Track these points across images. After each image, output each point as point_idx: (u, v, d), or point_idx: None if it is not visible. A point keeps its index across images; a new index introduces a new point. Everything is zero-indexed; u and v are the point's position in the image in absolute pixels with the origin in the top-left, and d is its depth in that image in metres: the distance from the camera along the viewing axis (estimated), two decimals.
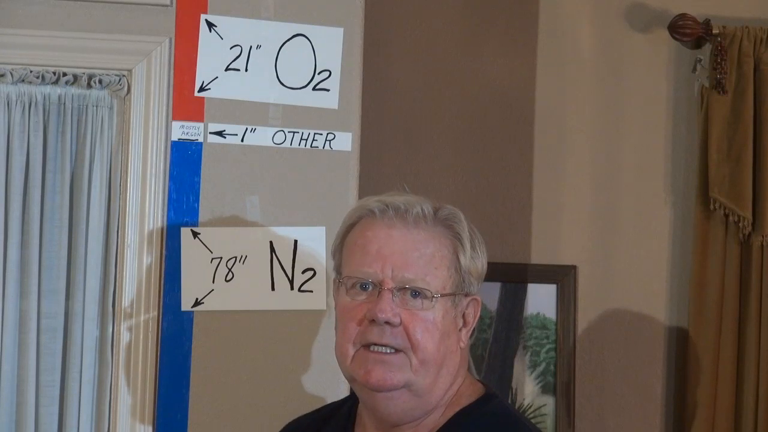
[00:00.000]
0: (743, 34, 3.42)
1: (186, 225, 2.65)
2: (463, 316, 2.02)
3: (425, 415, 1.99)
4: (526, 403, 3.42)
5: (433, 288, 1.96)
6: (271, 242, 2.66)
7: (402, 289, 1.95)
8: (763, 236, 3.40)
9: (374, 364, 1.96)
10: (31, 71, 2.64)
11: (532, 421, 3.39)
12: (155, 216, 2.64)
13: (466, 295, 2.00)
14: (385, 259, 1.96)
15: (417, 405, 1.98)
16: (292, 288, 2.67)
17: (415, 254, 1.96)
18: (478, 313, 2.03)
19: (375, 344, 1.96)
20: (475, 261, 2.01)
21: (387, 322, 1.94)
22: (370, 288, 1.97)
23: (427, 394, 1.98)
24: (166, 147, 2.66)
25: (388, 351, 1.95)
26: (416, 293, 1.96)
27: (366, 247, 1.98)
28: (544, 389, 3.44)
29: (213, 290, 2.65)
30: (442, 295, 1.96)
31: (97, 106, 2.69)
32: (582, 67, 3.52)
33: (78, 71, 2.66)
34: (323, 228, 2.66)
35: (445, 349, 1.97)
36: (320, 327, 2.65)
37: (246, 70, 2.67)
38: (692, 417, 3.43)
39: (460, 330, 2.01)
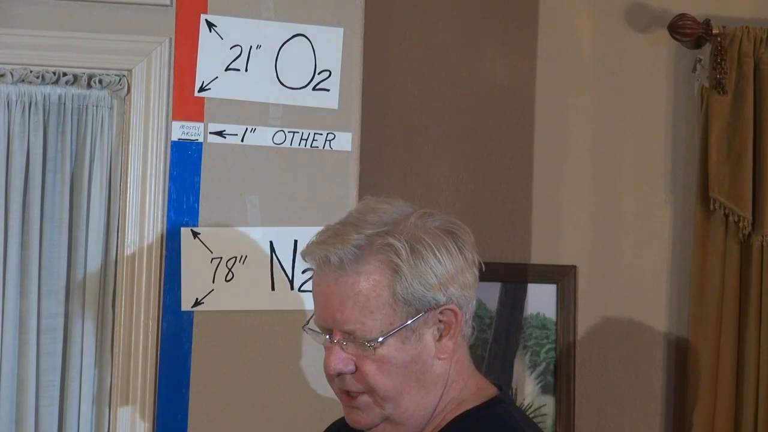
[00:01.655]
0: (743, 34, 3.42)
1: (186, 225, 2.65)
2: (442, 325, 1.97)
3: (424, 425, 1.99)
4: (526, 403, 3.42)
5: (375, 331, 1.92)
6: (271, 242, 2.66)
7: (348, 338, 1.94)
8: (763, 236, 3.40)
9: (346, 408, 1.99)
10: (31, 71, 2.64)
11: (533, 421, 3.40)
12: (155, 216, 2.64)
13: (434, 308, 1.94)
14: (327, 311, 1.95)
15: (404, 429, 1.98)
16: (292, 288, 2.67)
17: (350, 302, 1.92)
18: (460, 317, 1.96)
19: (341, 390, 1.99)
20: (426, 277, 1.93)
21: (341, 373, 1.95)
22: (329, 336, 1.97)
23: (410, 418, 1.97)
24: (166, 147, 2.65)
25: (354, 393, 1.96)
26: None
27: (315, 298, 1.98)
28: (544, 389, 3.44)
29: (213, 290, 2.65)
30: (390, 334, 1.92)
31: (97, 106, 2.69)
32: (582, 67, 3.52)
33: (78, 71, 2.66)
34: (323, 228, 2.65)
35: (412, 375, 1.95)
36: None
37: (246, 70, 2.67)
38: (692, 417, 3.43)
39: (440, 340, 1.96)
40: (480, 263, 2.03)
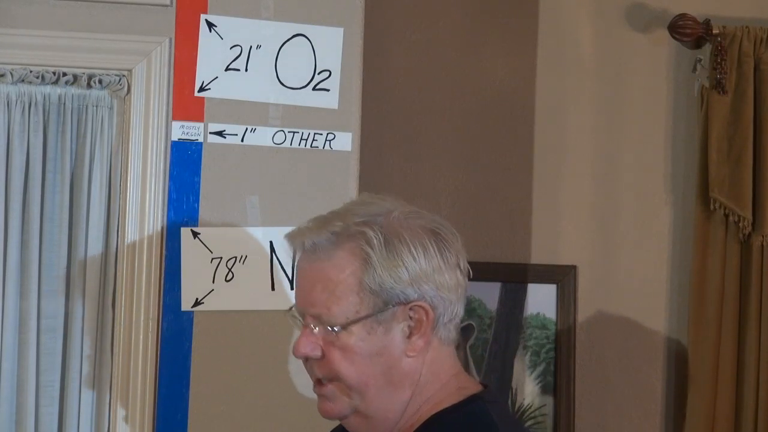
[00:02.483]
0: (743, 34, 3.42)
1: (186, 225, 2.65)
2: (412, 322, 1.96)
3: (397, 422, 1.99)
4: (526, 403, 3.42)
5: (340, 317, 1.93)
6: (271, 242, 2.66)
7: (316, 323, 1.96)
8: (763, 236, 3.40)
9: (319, 397, 2.00)
10: (31, 71, 2.64)
11: (530, 422, 3.39)
12: (155, 216, 2.64)
13: (404, 303, 1.94)
14: (301, 294, 1.98)
15: (375, 425, 1.98)
16: (292, 288, 2.67)
17: (319, 287, 1.94)
18: (431, 316, 1.94)
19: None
20: (397, 270, 1.93)
21: (308, 357, 1.96)
22: (303, 320, 1.99)
23: (378, 412, 1.97)
24: (166, 147, 2.65)
25: (324, 382, 1.98)
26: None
27: (295, 282, 2.04)
28: (544, 389, 3.44)
29: (213, 290, 2.65)
30: (354, 321, 1.93)
31: (97, 106, 2.69)
32: (582, 67, 3.52)
33: (78, 71, 2.66)
34: None
35: (378, 368, 1.95)
36: None
37: (246, 70, 2.67)
38: (692, 417, 3.43)
39: (410, 337, 1.95)
40: (467, 269, 2.00)
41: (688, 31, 3.44)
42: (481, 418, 1.96)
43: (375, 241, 1.94)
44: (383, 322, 1.94)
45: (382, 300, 1.94)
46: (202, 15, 2.66)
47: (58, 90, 2.67)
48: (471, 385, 2.03)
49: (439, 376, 1.99)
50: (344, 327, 1.93)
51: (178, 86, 2.65)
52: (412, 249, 1.95)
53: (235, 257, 2.65)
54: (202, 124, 2.66)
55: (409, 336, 1.96)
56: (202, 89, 2.66)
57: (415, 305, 1.95)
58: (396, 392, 1.97)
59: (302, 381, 2.66)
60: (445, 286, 1.96)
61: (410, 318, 1.95)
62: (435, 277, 1.95)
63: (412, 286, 1.94)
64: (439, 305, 1.96)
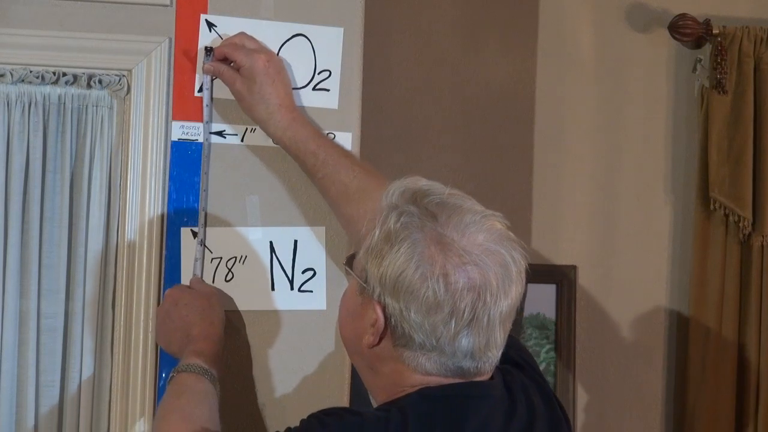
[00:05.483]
0: (743, 34, 3.42)
1: (186, 225, 2.64)
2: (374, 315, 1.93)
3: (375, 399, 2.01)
4: None
5: (357, 263, 1.98)
6: (271, 242, 2.66)
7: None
8: (763, 236, 3.40)
9: None
10: (31, 71, 2.64)
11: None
12: (155, 216, 2.64)
13: (371, 297, 1.92)
14: None
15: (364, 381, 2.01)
16: (292, 288, 2.66)
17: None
18: (379, 324, 1.91)
19: None
20: (378, 259, 1.91)
21: None
22: None
23: (364, 380, 2.00)
24: (165, 147, 2.65)
25: None
26: None
27: None
28: None
29: None
30: (351, 273, 1.98)
31: (97, 106, 2.69)
32: (582, 67, 3.52)
33: (78, 71, 2.65)
34: (323, 228, 2.65)
35: (352, 323, 1.97)
36: (320, 327, 2.64)
37: None
38: (692, 417, 3.43)
39: (372, 326, 1.93)
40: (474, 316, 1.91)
41: (688, 31, 3.44)
42: (392, 419, 1.90)
43: (382, 224, 1.97)
44: (363, 294, 1.94)
45: (365, 279, 1.94)
46: (202, 15, 2.65)
47: (58, 90, 2.67)
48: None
49: (398, 384, 1.93)
50: (352, 270, 1.98)
51: (178, 86, 2.65)
52: (398, 250, 1.92)
53: (235, 257, 2.65)
54: (202, 124, 2.66)
55: (373, 325, 1.93)
56: (202, 89, 2.65)
57: (377, 305, 1.92)
58: (360, 361, 1.98)
59: (302, 381, 2.66)
60: (417, 323, 1.89)
61: (376, 313, 1.93)
62: (388, 282, 1.91)
63: (380, 284, 1.91)
64: (398, 325, 1.91)
